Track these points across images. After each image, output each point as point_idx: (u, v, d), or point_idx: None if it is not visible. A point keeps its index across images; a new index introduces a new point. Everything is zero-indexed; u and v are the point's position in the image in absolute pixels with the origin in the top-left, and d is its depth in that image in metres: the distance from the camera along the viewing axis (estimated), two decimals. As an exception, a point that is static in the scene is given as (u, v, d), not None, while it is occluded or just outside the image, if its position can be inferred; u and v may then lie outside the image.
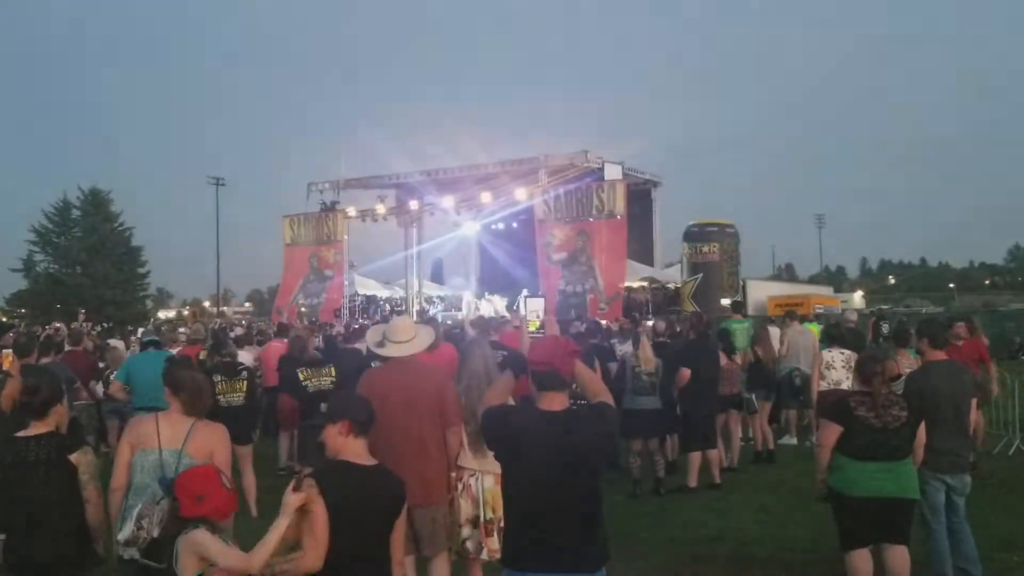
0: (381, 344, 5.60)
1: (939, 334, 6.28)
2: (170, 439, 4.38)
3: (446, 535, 5.48)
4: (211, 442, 4.47)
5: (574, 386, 3.87)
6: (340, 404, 3.88)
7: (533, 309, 6.12)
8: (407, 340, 5.53)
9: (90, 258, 55.70)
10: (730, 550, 7.39)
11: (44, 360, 10.09)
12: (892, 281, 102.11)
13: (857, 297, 46.87)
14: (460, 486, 5.46)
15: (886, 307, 37.60)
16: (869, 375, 5.75)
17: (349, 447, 3.73)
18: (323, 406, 9.07)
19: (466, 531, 5.36)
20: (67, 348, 12.29)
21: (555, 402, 3.63)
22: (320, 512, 3.51)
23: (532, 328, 4.45)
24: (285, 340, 12.07)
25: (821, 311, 25.15)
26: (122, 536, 4.20)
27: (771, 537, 7.67)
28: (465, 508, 5.40)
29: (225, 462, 4.46)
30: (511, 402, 4.28)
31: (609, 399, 3.84)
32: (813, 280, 76.74)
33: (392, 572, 3.82)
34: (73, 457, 4.36)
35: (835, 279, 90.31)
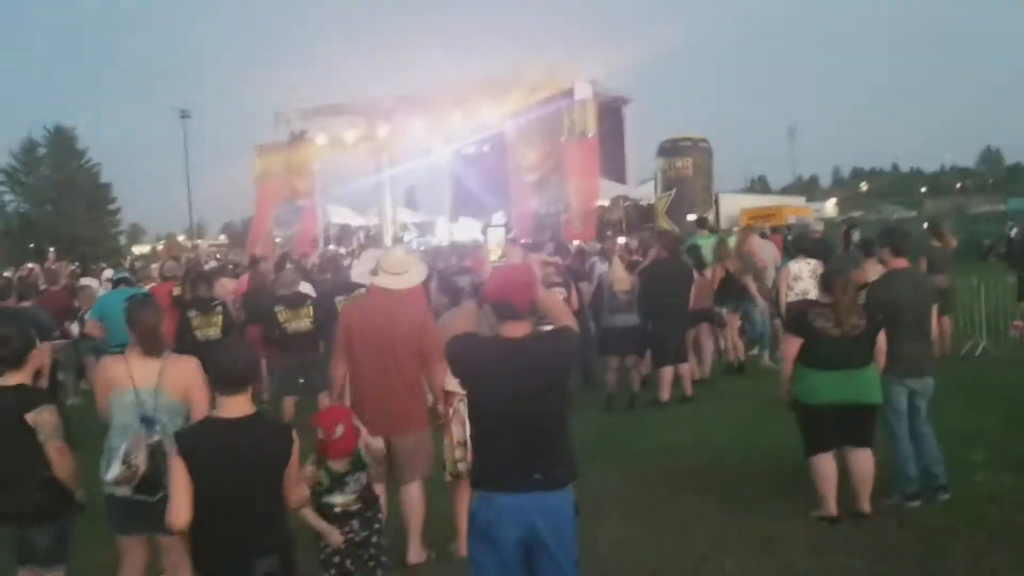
0: (375, 272, 5.66)
1: (900, 242, 6.38)
2: (143, 377, 4.40)
3: (423, 462, 5.61)
4: (185, 377, 4.49)
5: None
6: (214, 362, 3.74)
7: (495, 239, 6.13)
8: (400, 273, 5.58)
9: (60, 196, 55.15)
10: (702, 460, 7.60)
11: (24, 304, 10.11)
12: (864, 188, 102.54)
13: (830, 206, 47.24)
14: (451, 411, 5.56)
15: (857, 214, 37.86)
16: (831, 286, 5.90)
17: (222, 403, 3.66)
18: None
19: (459, 453, 5.48)
20: (43, 288, 12.27)
21: (515, 329, 3.70)
22: (176, 468, 3.54)
23: (494, 258, 4.50)
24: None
25: (793, 222, 25.30)
26: (111, 476, 4.27)
27: (742, 446, 7.88)
28: (456, 431, 5.50)
29: (202, 396, 4.46)
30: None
31: (572, 322, 3.91)
32: (786, 191, 77.01)
33: (281, 520, 3.70)
34: (29, 417, 4.27)
35: (808, 189, 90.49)
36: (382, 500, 5.36)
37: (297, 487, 3.77)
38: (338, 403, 5.51)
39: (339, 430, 4.28)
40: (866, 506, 5.91)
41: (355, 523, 4.53)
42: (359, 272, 5.89)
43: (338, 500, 4.50)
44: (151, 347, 4.46)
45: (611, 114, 30.03)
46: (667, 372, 9.82)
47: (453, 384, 5.44)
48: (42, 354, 5.11)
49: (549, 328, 3.91)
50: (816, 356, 5.79)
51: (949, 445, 6.82)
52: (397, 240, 28.03)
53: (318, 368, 8.67)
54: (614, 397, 9.77)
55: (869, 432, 5.92)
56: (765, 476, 6.96)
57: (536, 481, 3.63)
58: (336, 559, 4.52)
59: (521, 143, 27.98)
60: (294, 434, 3.70)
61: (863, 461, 5.89)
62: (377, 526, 4.68)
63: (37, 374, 4.97)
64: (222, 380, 3.63)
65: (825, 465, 5.88)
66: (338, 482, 4.45)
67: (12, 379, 4.40)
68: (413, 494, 5.60)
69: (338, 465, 4.42)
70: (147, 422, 4.24)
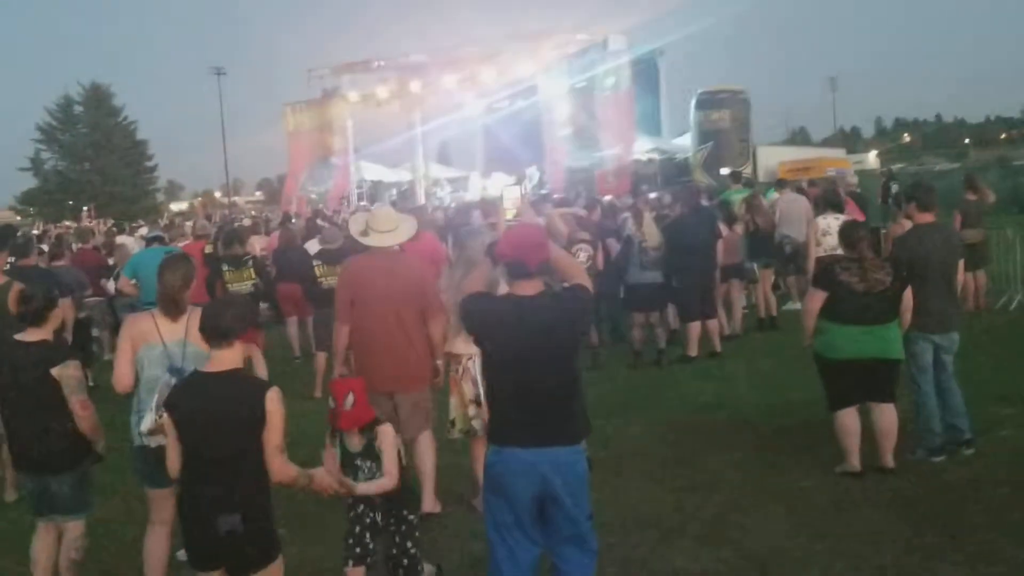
0: (365, 233, 5.68)
1: (926, 196, 6.29)
2: (170, 331, 4.48)
3: (424, 418, 5.68)
4: None
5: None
6: (203, 315, 3.77)
7: (510, 198, 6.12)
8: (389, 230, 5.61)
9: (96, 153, 55.75)
10: (726, 416, 7.61)
11: (57, 264, 10.31)
12: (907, 139, 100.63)
13: (871, 157, 46.27)
14: (460, 370, 5.61)
15: (899, 167, 37.19)
16: (854, 241, 5.85)
17: (211, 356, 3.68)
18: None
19: (471, 411, 5.53)
20: (76, 247, 12.47)
21: (528, 288, 3.72)
22: (168, 424, 3.66)
23: (509, 217, 4.50)
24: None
25: (832, 174, 24.93)
26: (144, 427, 4.38)
27: (767, 402, 7.87)
28: (467, 390, 5.55)
29: None
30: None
31: (585, 281, 3.91)
32: (827, 143, 75.67)
33: (252, 479, 3.61)
34: (55, 371, 4.43)
35: (849, 140, 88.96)
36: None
37: (279, 458, 3.59)
38: (344, 367, 5.58)
39: (350, 399, 4.14)
40: (889, 461, 5.89)
41: (377, 514, 4.33)
42: (356, 233, 5.89)
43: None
44: (169, 308, 4.52)
45: (646, 66, 29.61)
46: (694, 327, 9.80)
47: (460, 346, 5.48)
48: (64, 311, 5.21)
49: (563, 286, 3.93)
50: (840, 311, 5.75)
51: (978, 400, 6.79)
52: (428, 196, 28.05)
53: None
54: (640, 353, 9.77)
55: (891, 387, 5.89)
56: (790, 432, 6.96)
57: (548, 437, 3.67)
58: (357, 528, 4.35)
59: (554, 97, 27.72)
60: (271, 393, 3.58)
61: (886, 416, 5.86)
62: (409, 543, 4.38)
63: (60, 329, 5.09)
64: (206, 332, 3.66)
65: (848, 420, 5.86)
66: (351, 465, 4.26)
67: (34, 335, 4.56)
68: (423, 446, 5.68)
69: (353, 442, 4.26)
70: (177, 372, 4.32)
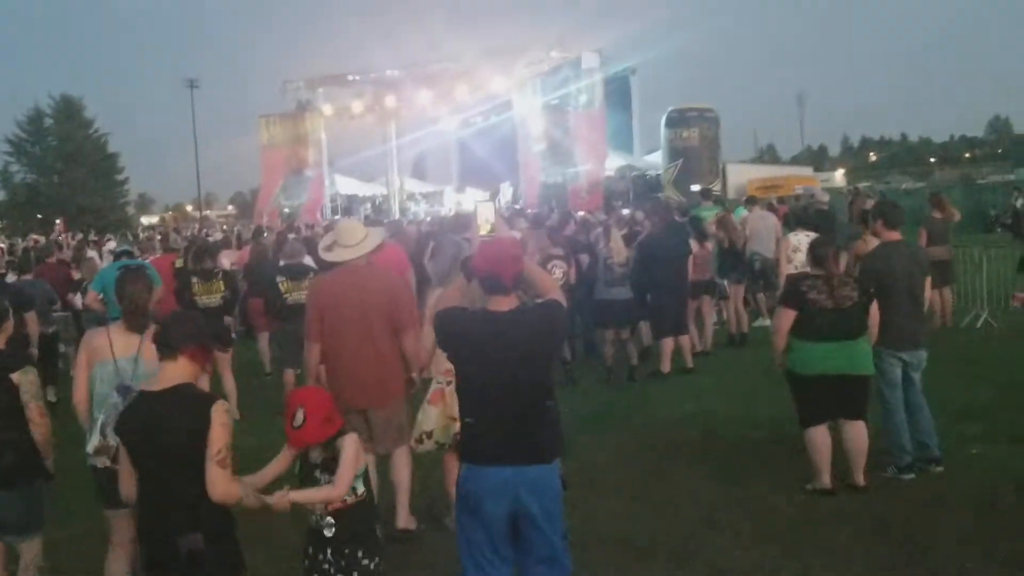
0: (330, 249, 5.63)
1: (892, 214, 6.38)
2: (124, 347, 4.44)
3: (399, 432, 5.60)
4: None
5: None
6: (158, 326, 3.72)
7: (484, 216, 6.06)
8: (355, 244, 5.54)
9: (67, 166, 55.19)
10: (699, 432, 7.62)
11: (25, 277, 10.23)
12: (873, 158, 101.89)
13: (838, 176, 46.87)
14: (448, 386, 5.52)
15: (865, 185, 37.63)
16: (821, 258, 5.91)
17: (159, 371, 3.60)
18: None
19: (457, 426, 5.50)
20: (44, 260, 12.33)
21: (502, 303, 3.72)
22: (120, 448, 3.61)
23: (484, 232, 4.49)
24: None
25: (800, 191, 25.18)
26: (90, 447, 4.33)
27: (739, 418, 7.91)
28: (454, 406, 5.52)
29: None
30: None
31: (559, 296, 3.91)
32: (795, 160, 76.50)
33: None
34: (14, 376, 4.39)
35: (816, 158, 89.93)
36: (372, 476, 5.36)
37: (215, 470, 3.39)
38: (316, 384, 5.38)
39: (299, 416, 3.79)
40: (861, 478, 5.93)
41: (328, 551, 3.88)
42: (321, 248, 5.83)
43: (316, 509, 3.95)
44: (134, 322, 4.48)
45: (618, 84, 29.91)
46: (667, 343, 9.83)
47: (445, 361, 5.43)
48: (29, 325, 5.06)
49: (537, 302, 3.92)
50: (810, 327, 5.80)
51: (946, 417, 6.88)
52: (402, 211, 28.03)
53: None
54: (613, 369, 9.80)
55: (862, 404, 5.93)
56: (762, 448, 6.99)
57: (522, 454, 3.65)
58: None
59: (528, 113, 27.87)
60: (216, 405, 3.46)
61: (857, 433, 5.90)
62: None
63: (25, 343, 5.01)
64: (156, 343, 3.60)
65: (819, 437, 5.90)
66: (309, 477, 3.90)
67: None
68: (398, 461, 5.62)
69: (313, 453, 3.90)
70: (123, 392, 4.26)
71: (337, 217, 27.97)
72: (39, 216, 50.17)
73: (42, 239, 23.72)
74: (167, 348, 3.55)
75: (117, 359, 4.42)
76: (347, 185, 34.90)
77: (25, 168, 57.61)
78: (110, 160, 60.09)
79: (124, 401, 4.14)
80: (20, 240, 24.21)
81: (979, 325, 11.46)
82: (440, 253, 6.28)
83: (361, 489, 3.94)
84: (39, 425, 4.40)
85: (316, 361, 5.55)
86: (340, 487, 3.81)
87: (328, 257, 5.65)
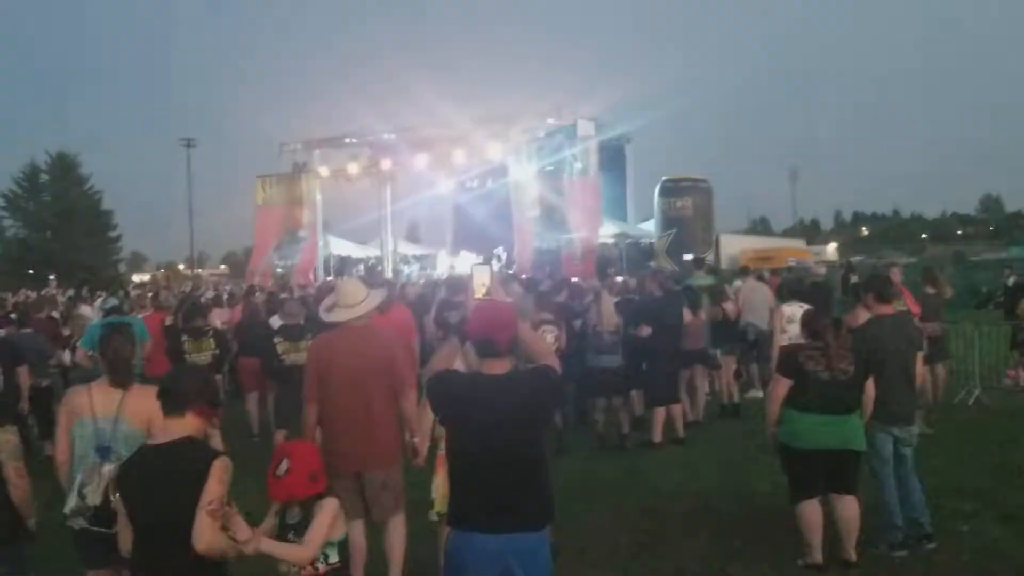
0: (330, 310, 5.61)
1: (884, 288, 6.40)
2: (103, 406, 4.38)
3: (395, 500, 5.49)
4: (147, 406, 4.31)
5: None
6: (162, 382, 3.68)
7: (480, 280, 6.10)
8: (356, 304, 5.52)
9: (60, 223, 55.34)
10: (691, 503, 7.53)
11: (25, 331, 10.19)
12: (865, 233, 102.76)
13: (830, 249, 47.19)
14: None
15: (857, 259, 37.89)
16: (818, 329, 5.89)
17: (164, 426, 3.58)
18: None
19: None
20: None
21: (496, 367, 3.69)
22: (117, 503, 3.56)
23: (479, 295, 4.51)
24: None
25: (794, 264, 25.36)
26: (68, 508, 4.25)
27: (731, 490, 7.83)
28: None
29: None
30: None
31: (553, 361, 3.89)
32: (787, 233, 77.17)
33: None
34: None
35: (809, 232, 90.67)
36: (361, 544, 5.23)
37: (205, 520, 3.32)
38: (310, 440, 5.29)
39: (283, 466, 3.79)
40: (852, 554, 5.84)
41: None
42: (322, 309, 5.82)
43: (281, 568, 3.92)
44: (118, 377, 4.43)
45: (613, 152, 30.18)
46: (660, 413, 9.77)
47: None
48: (20, 378, 4.96)
49: (531, 367, 3.89)
50: (805, 399, 5.76)
51: (938, 494, 6.82)
52: (395, 273, 28.05)
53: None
54: (604, 438, 9.71)
55: (853, 479, 5.88)
56: (753, 522, 6.90)
57: (512, 522, 3.59)
58: None
59: (523, 179, 28.07)
60: (219, 461, 3.42)
61: (848, 508, 5.83)
62: None
63: (17, 397, 4.94)
64: (163, 399, 3.55)
65: (811, 512, 5.82)
66: (283, 537, 3.84)
67: None
68: (393, 533, 5.51)
69: (293, 512, 3.88)
70: (102, 452, 4.21)
71: (330, 278, 27.97)
72: (30, 271, 50.11)
73: (33, 294, 23.62)
74: (175, 405, 3.51)
75: (97, 418, 4.36)
76: (341, 247, 34.98)
77: (19, 223, 57.79)
78: (104, 217, 60.34)
79: (104, 464, 4.09)
80: (10, 295, 24.08)
81: (971, 402, 11.43)
82: (437, 318, 6.26)
83: (335, 559, 3.87)
84: (17, 487, 4.30)
85: (313, 422, 5.47)
86: (310, 549, 3.74)
87: (328, 318, 5.61)
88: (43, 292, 25.17)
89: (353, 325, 5.51)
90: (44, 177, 58.20)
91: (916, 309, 9.61)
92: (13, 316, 11.63)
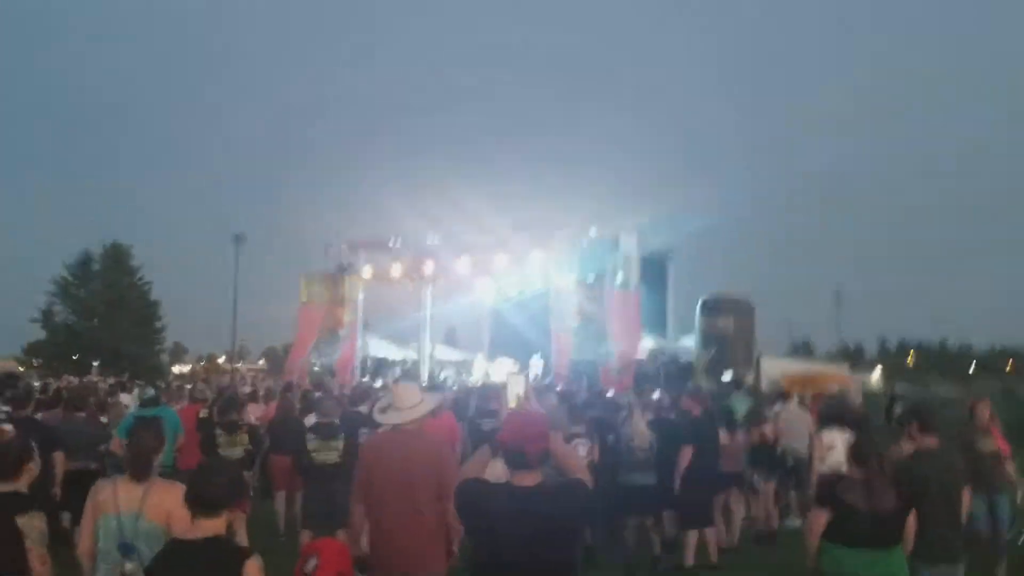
0: (384, 411, 5.65)
1: (929, 418, 6.23)
2: (127, 502, 4.37)
3: None
4: (168, 502, 4.40)
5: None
6: (191, 482, 3.70)
7: (515, 390, 6.12)
8: (410, 407, 5.54)
9: (108, 311, 56.26)
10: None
11: (79, 415, 10.29)
12: (911, 361, 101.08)
13: (875, 376, 46.38)
14: None
15: (901, 388, 37.16)
16: (863, 460, 5.71)
17: (195, 523, 3.59)
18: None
19: None
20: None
21: (526, 478, 3.62)
22: None
23: (513, 405, 4.57)
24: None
25: (836, 389, 24.89)
26: None
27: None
28: None
29: (184, 523, 4.40)
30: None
31: (585, 475, 3.81)
32: (830, 357, 75.99)
33: None
34: (21, 521, 4.32)
35: (853, 357, 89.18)
36: None
37: None
38: (357, 545, 5.30)
39: (311, 563, 3.85)
40: None
41: None
42: (376, 410, 5.87)
43: None
44: (136, 472, 4.43)
45: (654, 266, 30.30)
46: (692, 535, 9.49)
47: None
48: (56, 464, 4.91)
49: (562, 480, 3.81)
50: (844, 532, 5.55)
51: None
52: (430, 377, 28.03)
53: (342, 503, 8.53)
54: (634, 558, 9.44)
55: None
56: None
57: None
58: None
59: (563, 289, 28.19)
60: (251, 561, 3.43)
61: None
62: None
63: (48, 482, 4.96)
64: (192, 501, 3.54)
65: (850, 650, 5.55)
66: None
67: (6, 487, 4.46)
68: None
69: None
70: (124, 549, 4.18)
71: (366, 379, 28.03)
72: (74, 358, 50.79)
73: (76, 380, 23.90)
74: (209, 506, 3.52)
75: (121, 514, 4.34)
76: (379, 348, 35.13)
77: (68, 310, 58.83)
78: (151, 308, 61.26)
79: (126, 561, 4.05)
80: (53, 380, 24.38)
81: (1021, 542, 10.97)
82: (471, 426, 6.23)
83: None
84: (40, 573, 4.30)
85: (360, 521, 5.48)
86: None
87: (382, 419, 5.68)
88: (85, 379, 25.42)
89: (405, 428, 5.53)
90: (96, 266, 59.44)
91: (1007, 448, 9.33)
92: (44, 400, 11.68)
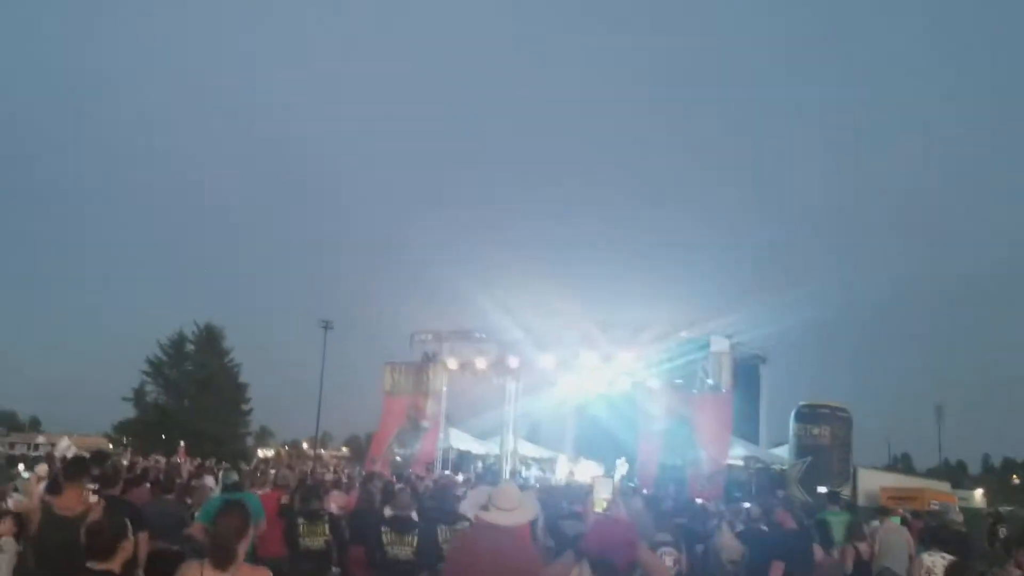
0: (486, 508, 5.52)
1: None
2: None
3: None
4: None
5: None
6: None
7: (602, 493, 5.98)
8: (512, 509, 5.43)
9: (199, 392, 57.41)
10: None
11: (167, 496, 10.40)
12: (1016, 481, 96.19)
13: (978, 495, 44.16)
14: None
15: (1007, 509, 35.22)
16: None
17: None
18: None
19: None
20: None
21: (611, 588, 3.39)
22: None
23: (599, 510, 4.48)
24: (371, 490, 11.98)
25: (936, 507, 23.65)
26: None
27: None
28: None
29: None
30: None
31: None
32: (931, 473, 72.86)
33: None
34: None
35: (955, 474, 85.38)
36: None
37: None
38: None
39: None
40: None
41: None
42: (469, 504, 5.77)
43: None
44: (219, 558, 4.35)
45: (747, 371, 29.65)
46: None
47: None
48: (139, 546, 5.00)
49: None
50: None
51: None
52: (512, 474, 27.64)
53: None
54: None
55: None
56: None
57: None
58: None
59: (651, 390, 27.72)
60: None
61: None
62: None
63: (133, 564, 4.94)
64: None
65: None
66: None
67: (102, 566, 4.48)
68: None
69: None
70: None
71: (447, 472, 27.81)
72: (163, 437, 51.79)
73: (163, 460, 24.26)
74: None
75: None
76: (461, 440, 34.89)
77: (159, 389, 60.29)
78: (240, 390, 62.35)
79: None
80: (141, 459, 24.82)
81: None
82: (549, 526, 6.05)
83: None
84: None
85: None
86: None
87: (483, 516, 5.56)
88: (171, 459, 25.82)
89: (494, 526, 5.42)
90: (190, 347, 60.98)
91: None
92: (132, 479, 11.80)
